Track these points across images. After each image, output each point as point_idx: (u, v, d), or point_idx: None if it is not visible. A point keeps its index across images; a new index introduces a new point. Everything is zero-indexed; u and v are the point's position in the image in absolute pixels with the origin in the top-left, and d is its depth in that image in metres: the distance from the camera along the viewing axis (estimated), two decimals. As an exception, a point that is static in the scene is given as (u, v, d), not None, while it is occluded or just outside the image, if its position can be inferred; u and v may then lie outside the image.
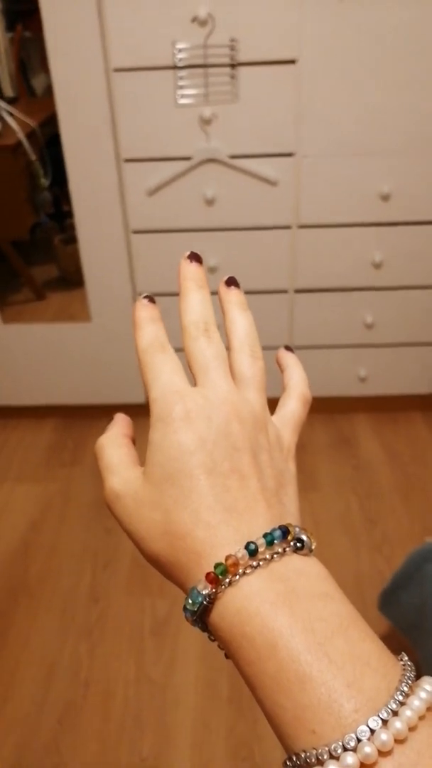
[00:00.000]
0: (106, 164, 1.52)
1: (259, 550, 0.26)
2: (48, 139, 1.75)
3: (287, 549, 0.26)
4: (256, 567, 0.25)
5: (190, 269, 0.34)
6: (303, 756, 0.22)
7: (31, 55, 1.86)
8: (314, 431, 1.87)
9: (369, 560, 1.47)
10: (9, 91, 1.82)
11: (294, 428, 0.34)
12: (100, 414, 1.77)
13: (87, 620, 1.37)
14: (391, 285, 1.66)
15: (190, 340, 0.32)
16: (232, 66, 1.40)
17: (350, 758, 0.21)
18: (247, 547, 0.26)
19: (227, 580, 0.25)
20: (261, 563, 0.26)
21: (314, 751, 0.22)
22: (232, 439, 0.29)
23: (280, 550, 0.26)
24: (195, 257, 0.35)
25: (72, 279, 1.83)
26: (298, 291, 1.68)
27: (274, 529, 0.26)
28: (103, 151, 1.51)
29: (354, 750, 0.21)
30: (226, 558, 0.25)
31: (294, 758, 0.23)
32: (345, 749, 0.22)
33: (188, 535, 0.27)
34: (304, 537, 0.27)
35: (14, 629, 1.36)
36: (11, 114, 1.74)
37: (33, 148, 1.78)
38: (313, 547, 0.28)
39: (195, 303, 0.33)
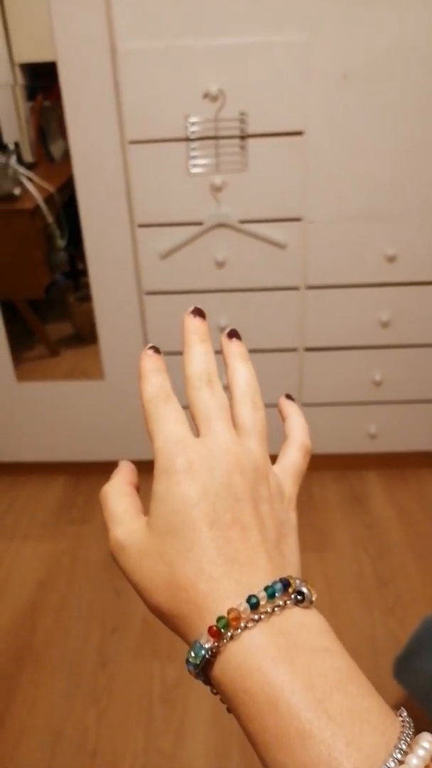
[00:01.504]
0: (121, 228, 1.58)
1: (261, 603, 0.26)
2: (65, 201, 1.82)
3: (288, 602, 0.26)
4: (257, 620, 0.25)
5: (194, 323, 0.35)
6: None
7: (49, 122, 1.95)
8: (326, 488, 1.86)
9: (382, 623, 1.43)
10: (29, 157, 1.91)
11: (295, 478, 0.34)
12: (110, 471, 1.76)
13: (94, 686, 1.34)
14: (399, 343, 1.69)
15: (193, 391, 0.33)
16: (242, 137, 1.46)
17: None
18: (248, 600, 0.26)
19: (229, 634, 0.25)
20: (262, 617, 0.25)
21: None
22: (234, 490, 0.29)
23: (281, 603, 0.26)
24: (198, 312, 0.35)
25: (86, 336, 1.87)
26: (307, 349, 1.70)
27: (275, 582, 0.27)
28: (118, 217, 1.56)
29: None
30: (229, 611, 0.25)
31: None
32: None
33: (191, 588, 0.27)
34: (304, 589, 0.27)
35: (20, 694, 1.33)
36: (30, 179, 1.82)
37: (50, 210, 1.85)
38: (313, 599, 0.27)
39: (198, 355, 0.34)
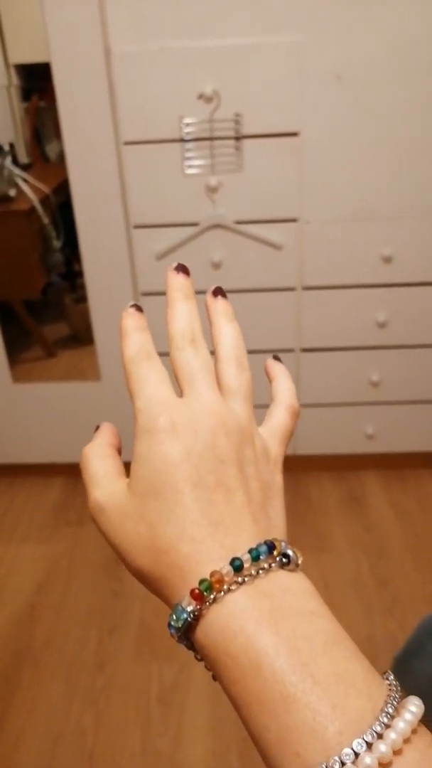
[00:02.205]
0: (117, 229, 1.57)
1: (245, 566, 0.25)
2: (61, 202, 1.82)
3: (273, 564, 0.26)
4: (241, 583, 0.25)
5: (178, 280, 0.34)
6: None
7: (45, 123, 1.95)
8: (323, 489, 1.86)
9: (381, 623, 1.43)
10: (24, 158, 1.90)
11: (282, 440, 0.33)
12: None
13: (92, 688, 1.34)
14: (396, 344, 1.68)
15: (177, 351, 0.32)
16: (237, 138, 1.46)
17: None
18: (232, 563, 0.25)
19: (212, 596, 0.25)
20: (246, 579, 0.25)
21: None
22: (218, 452, 0.28)
23: (265, 565, 0.26)
24: (182, 268, 0.34)
25: (82, 337, 1.86)
26: (304, 350, 1.70)
27: (259, 545, 0.26)
28: (114, 218, 1.56)
29: None
30: (211, 574, 0.25)
31: None
32: None
33: (172, 550, 0.26)
34: (290, 552, 0.26)
35: (19, 697, 1.33)
36: (25, 180, 1.81)
37: (46, 211, 1.84)
38: (299, 562, 0.27)
39: (182, 313, 0.33)
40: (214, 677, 0.26)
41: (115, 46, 1.39)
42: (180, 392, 0.30)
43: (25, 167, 1.85)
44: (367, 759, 0.21)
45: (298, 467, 1.90)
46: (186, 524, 0.26)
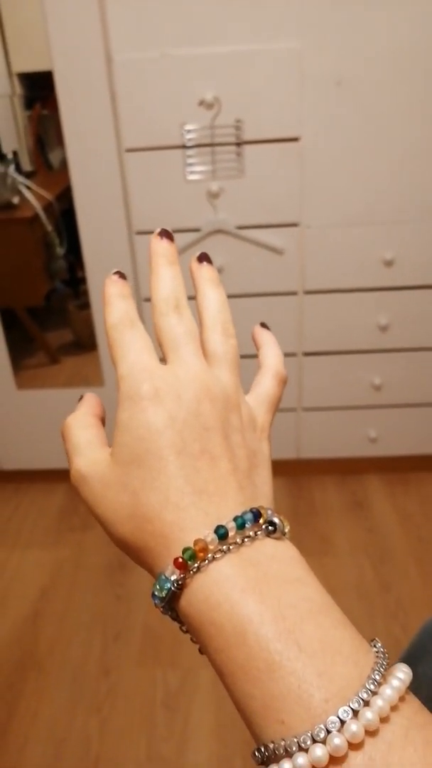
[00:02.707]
0: (119, 236, 1.58)
1: (230, 534, 0.25)
2: (64, 209, 1.83)
3: (259, 533, 0.25)
4: (226, 552, 0.24)
5: (161, 245, 0.33)
6: (271, 747, 0.21)
7: (47, 131, 1.97)
8: (326, 493, 1.86)
9: (385, 628, 1.43)
10: (27, 166, 1.92)
11: (269, 407, 0.32)
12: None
13: (97, 693, 1.34)
14: (398, 347, 1.69)
15: (160, 317, 0.31)
16: (238, 144, 1.47)
17: (319, 750, 0.20)
18: (216, 531, 0.24)
19: (196, 565, 0.24)
20: (231, 548, 0.24)
21: (283, 743, 0.21)
22: (203, 419, 0.27)
23: (251, 533, 0.25)
24: (166, 234, 0.33)
25: (86, 343, 1.87)
26: (306, 354, 1.70)
27: (245, 512, 0.25)
28: (116, 224, 1.57)
29: (323, 742, 0.20)
30: (195, 542, 0.24)
31: (263, 749, 0.22)
32: (314, 741, 0.21)
33: (156, 518, 0.26)
34: (276, 520, 0.26)
35: (23, 703, 1.33)
36: (29, 188, 1.83)
37: (49, 218, 1.86)
38: (286, 531, 0.26)
39: (165, 279, 0.32)
40: (201, 650, 0.25)
41: (116, 53, 1.41)
42: (164, 359, 0.30)
43: (28, 175, 1.86)
44: (353, 727, 0.20)
45: (301, 471, 1.90)
46: (170, 492, 0.26)
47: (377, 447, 1.84)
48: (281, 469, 1.88)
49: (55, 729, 1.27)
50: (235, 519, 0.25)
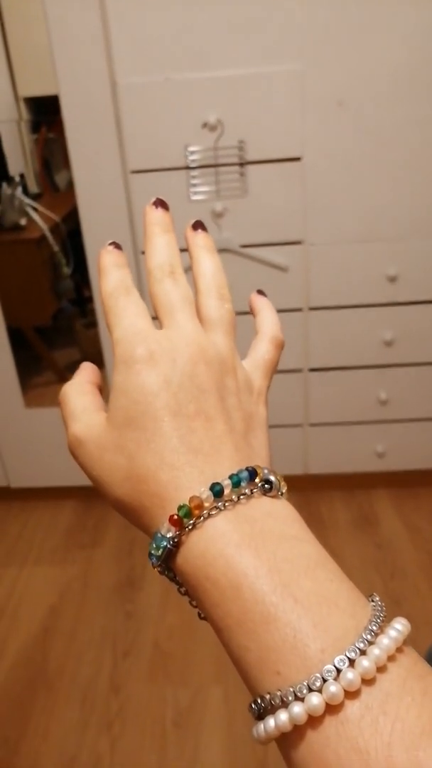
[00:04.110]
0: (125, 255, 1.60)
1: (225, 491, 0.24)
2: (70, 230, 1.86)
3: (255, 491, 0.25)
4: (221, 509, 0.24)
5: (156, 214, 0.33)
6: (267, 698, 0.21)
7: (54, 154, 2.00)
8: (334, 508, 1.86)
9: (396, 644, 1.42)
10: (34, 188, 1.95)
11: (265, 371, 0.33)
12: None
13: (107, 711, 1.34)
14: (403, 362, 1.69)
15: (155, 283, 0.31)
16: (241, 165, 1.49)
17: (315, 698, 0.20)
18: (212, 488, 0.24)
19: (191, 522, 0.24)
20: (227, 505, 0.24)
21: (278, 693, 0.21)
22: (198, 381, 0.27)
23: (247, 491, 0.25)
24: (161, 203, 0.33)
25: (93, 362, 1.88)
26: (312, 370, 1.71)
27: (240, 471, 0.25)
28: (122, 244, 1.58)
29: (319, 690, 0.20)
30: (190, 500, 0.24)
31: (259, 701, 0.22)
32: (310, 689, 0.20)
33: (151, 479, 0.26)
34: (272, 478, 0.26)
35: (33, 721, 1.33)
36: (36, 209, 1.86)
37: (56, 239, 1.88)
38: (283, 490, 0.26)
39: (160, 246, 0.32)
40: (200, 615, 0.25)
41: (120, 78, 1.44)
42: (159, 325, 0.30)
43: (35, 197, 1.90)
44: (350, 674, 0.20)
45: (309, 486, 1.90)
46: (165, 452, 0.26)
47: (385, 462, 1.84)
48: (289, 484, 1.88)
49: (66, 747, 1.27)
50: (231, 477, 0.25)
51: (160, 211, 0.33)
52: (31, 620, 1.58)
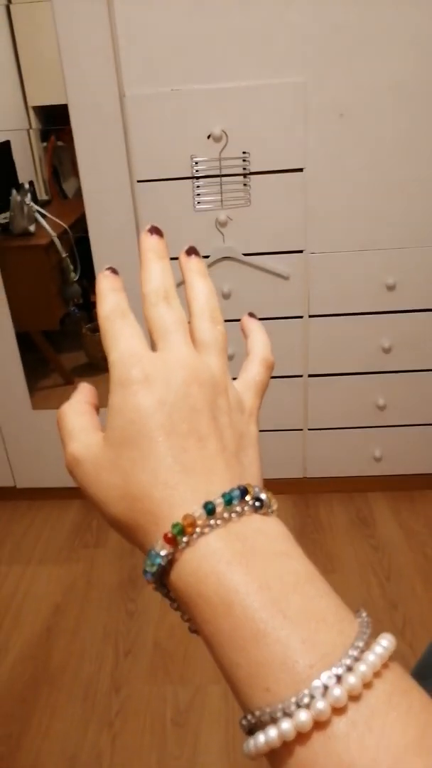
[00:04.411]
0: (131, 263, 1.64)
1: (217, 509, 0.25)
2: (78, 237, 1.89)
3: (246, 508, 0.26)
4: (213, 526, 0.25)
5: (151, 242, 0.34)
6: (257, 714, 0.22)
7: (62, 162, 2.04)
8: (332, 511, 1.89)
9: (392, 646, 1.44)
10: (43, 195, 1.99)
11: (256, 392, 0.33)
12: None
13: (108, 710, 1.36)
14: (401, 368, 1.72)
15: (150, 307, 0.32)
16: (245, 175, 1.53)
17: (303, 715, 0.21)
18: (205, 506, 0.25)
19: (185, 540, 0.25)
20: (219, 522, 0.25)
21: (268, 709, 0.22)
22: (191, 401, 0.28)
23: (238, 509, 0.26)
24: (155, 230, 0.34)
25: (99, 365, 1.93)
26: (311, 376, 1.75)
27: (232, 489, 0.26)
28: (128, 251, 1.63)
29: (307, 707, 0.21)
30: (184, 518, 0.25)
31: (249, 717, 0.23)
32: (298, 706, 0.21)
33: (146, 497, 0.26)
34: (263, 496, 0.26)
35: (35, 718, 1.35)
36: (44, 216, 1.90)
37: (64, 245, 1.92)
38: (273, 508, 0.27)
39: (155, 272, 0.33)
40: (191, 628, 0.26)
41: (128, 89, 1.48)
42: (154, 347, 0.31)
43: (44, 204, 1.93)
44: (336, 691, 0.21)
45: (307, 489, 1.93)
46: (159, 471, 0.26)
47: (382, 466, 1.87)
48: (288, 487, 1.91)
49: (67, 744, 1.29)
50: (223, 495, 0.26)
51: (155, 238, 0.34)
52: (35, 618, 1.61)
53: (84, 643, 1.52)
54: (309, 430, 1.82)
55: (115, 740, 1.30)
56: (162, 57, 1.45)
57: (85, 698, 1.39)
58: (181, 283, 0.34)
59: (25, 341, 1.85)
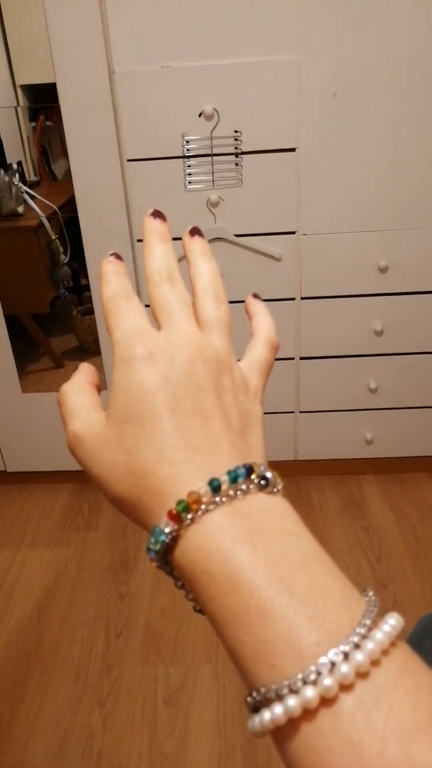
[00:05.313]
0: (122, 244, 1.63)
1: (222, 487, 0.25)
2: (67, 219, 1.87)
3: (251, 487, 0.26)
4: (218, 504, 0.25)
5: (154, 224, 0.34)
6: (263, 691, 0.22)
7: (51, 142, 2.01)
8: (324, 493, 1.90)
9: (382, 626, 1.46)
10: (32, 176, 1.96)
11: (261, 372, 0.33)
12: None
13: (100, 690, 1.37)
14: (393, 351, 1.72)
15: (154, 287, 0.32)
16: (237, 155, 1.51)
17: (309, 692, 0.21)
18: (210, 483, 0.25)
19: (189, 517, 0.24)
20: (224, 500, 0.25)
21: (274, 686, 0.21)
22: (196, 379, 0.28)
23: (244, 487, 0.25)
24: (158, 214, 0.34)
25: (89, 348, 1.92)
26: (303, 358, 1.74)
27: (237, 467, 0.26)
28: (119, 233, 1.61)
29: (314, 683, 0.21)
30: (188, 494, 0.25)
31: (254, 694, 0.22)
32: (305, 683, 0.21)
33: (150, 475, 0.26)
34: (269, 475, 0.26)
35: (27, 699, 1.36)
36: (33, 197, 1.87)
37: (53, 227, 1.90)
38: (279, 487, 0.27)
39: (158, 254, 0.33)
40: (195, 608, 0.26)
41: (117, 66, 1.45)
42: (158, 328, 0.30)
43: (32, 185, 1.91)
44: (344, 668, 0.21)
45: (299, 472, 1.94)
46: (163, 448, 0.26)
47: (373, 449, 1.87)
48: (279, 470, 1.90)
49: (59, 724, 1.30)
50: (228, 473, 0.25)
51: (158, 221, 0.34)
52: (26, 601, 1.61)
53: (75, 624, 1.53)
54: (300, 412, 1.82)
55: (106, 720, 1.30)
56: (152, 33, 1.42)
57: (76, 679, 1.39)
58: (182, 258, 0.33)
59: (14, 324, 1.83)
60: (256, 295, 0.38)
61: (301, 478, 1.94)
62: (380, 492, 1.89)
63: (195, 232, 0.35)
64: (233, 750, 1.23)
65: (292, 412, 1.82)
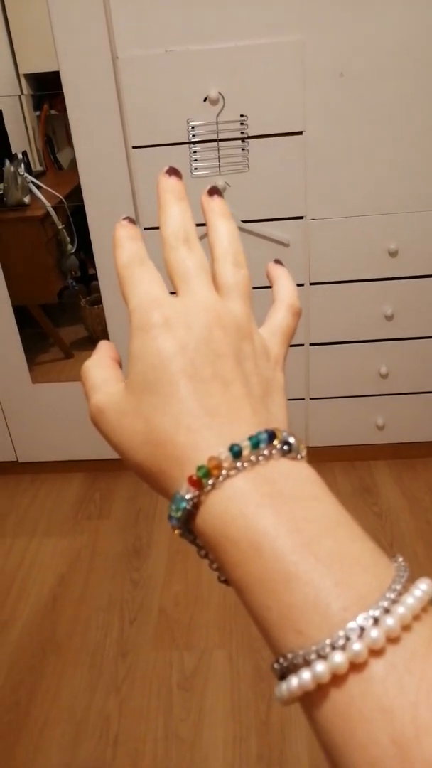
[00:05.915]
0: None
1: (244, 452, 0.24)
2: (74, 208, 1.86)
3: (274, 452, 0.25)
4: (240, 469, 0.24)
5: (169, 182, 0.32)
6: (290, 657, 0.21)
7: (56, 131, 2.00)
8: (335, 479, 1.90)
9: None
10: (37, 165, 1.95)
11: (282, 338, 0.32)
12: (126, 468, 1.81)
13: (115, 675, 1.38)
14: (403, 336, 1.71)
15: (170, 251, 0.30)
16: (243, 139, 1.49)
17: (338, 657, 0.20)
18: (230, 449, 0.24)
19: (210, 482, 0.24)
20: (246, 465, 0.24)
21: (301, 652, 0.21)
22: (214, 346, 0.27)
23: (266, 453, 0.25)
24: (174, 171, 0.33)
25: (98, 338, 1.91)
26: (312, 344, 1.73)
27: (259, 432, 0.25)
28: (125, 221, 1.60)
29: (343, 648, 0.20)
30: (209, 460, 0.24)
31: (281, 660, 0.22)
32: (333, 648, 0.20)
33: (169, 442, 0.26)
34: (291, 440, 0.26)
35: (43, 685, 1.38)
36: (39, 187, 1.87)
37: (60, 217, 1.89)
38: (303, 453, 0.26)
39: (174, 214, 0.31)
40: (220, 578, 0.25)
41: (121, 51, 1.44)
42: (175, 294, 0.30)
43: (38, 174, 1.90)
44: (374, 632, 0.20)
45: (310, 458, 1.88)
46: (182, 415, 0.26)
47: (384, 434, 1.86)
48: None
49: (75, 710, 1.32)
50: (250, 438, 0.25)
51: (173, 179, 0.33)
52: (41, 588, 1.62)
53: (89, 611, 1.54)
54: (311, 399, 1.82)
55: (122, 705, 1.32)
56: (155, 17, 1.40)
57: (91, 665, 1.41)
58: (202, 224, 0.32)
59: (23, 315, 1.84)
60: (278, 261, 0.37)
61: (312, 464, 1.91)
62: (392, 477, 1.89)
63: (214, 191, 0.34)
64: (248, 733, 1.24)
65: (303, 399, 1.81)
